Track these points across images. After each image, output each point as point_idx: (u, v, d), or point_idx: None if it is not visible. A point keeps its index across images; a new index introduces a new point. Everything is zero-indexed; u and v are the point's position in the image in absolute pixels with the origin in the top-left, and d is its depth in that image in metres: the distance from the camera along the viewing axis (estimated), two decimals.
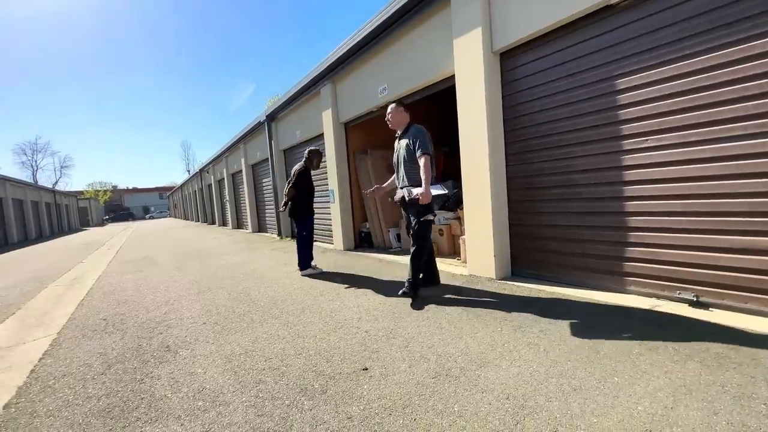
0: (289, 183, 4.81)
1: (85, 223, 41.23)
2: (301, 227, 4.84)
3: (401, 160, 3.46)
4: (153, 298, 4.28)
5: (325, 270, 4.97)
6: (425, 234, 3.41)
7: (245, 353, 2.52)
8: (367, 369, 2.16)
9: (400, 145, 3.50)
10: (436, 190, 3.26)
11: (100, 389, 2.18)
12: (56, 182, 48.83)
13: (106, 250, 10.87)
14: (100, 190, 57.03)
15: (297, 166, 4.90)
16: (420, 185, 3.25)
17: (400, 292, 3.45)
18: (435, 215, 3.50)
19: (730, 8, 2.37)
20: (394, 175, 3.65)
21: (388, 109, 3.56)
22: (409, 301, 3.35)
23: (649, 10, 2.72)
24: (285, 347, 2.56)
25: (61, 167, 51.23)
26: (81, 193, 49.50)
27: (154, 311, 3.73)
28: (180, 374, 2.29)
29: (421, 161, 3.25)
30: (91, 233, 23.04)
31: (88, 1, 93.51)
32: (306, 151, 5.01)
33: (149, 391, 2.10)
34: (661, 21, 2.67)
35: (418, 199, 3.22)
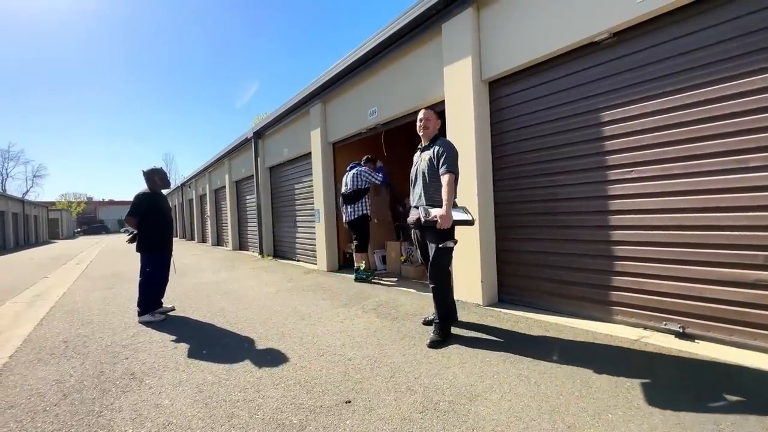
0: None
1: (54, 235, 39.33)
2: (146, 262, 3.98)
3: (420, 174, 3.00)
4: (121, 318, 4.01)
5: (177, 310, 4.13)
6: (444, 264, 2.88)
7: (218, 383, 2.33)
8: (350, 402, 2.03)
9: (422, 158, 3.02)
10: (459, 215, 2.77)
11: (51, 423, 1.96)
12: (26, 192, 46.75)
13: (75, 264, 10.30)
14: (73, 202, 54.83)
15: (139, 191, 4.06)
16: (440, 206, 2.78)
17: (428, 341, 2.80)
18: (456, 242, 2.90)
19: (708, 50, 2.49)
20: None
21: (423, 114, 3.04)
22: (395, 326, 3.24)
23: (631, 48, 2.85)
24: (262, 376, 2.40)
25: (34, 176, 49.20)
26: (53, 203, 47.45)
27: (121, 333, 3.47)
28: (144, 406, 2.09)
29: (444, 179, 2.77)
30: (60, 246, 21.92)
31: (68, 4, 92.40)
32: (143, 174, 4.08)
33: (107, 426, 1.90)
34: (643, 59, 2.79)
35: (436, 222, 2.71)
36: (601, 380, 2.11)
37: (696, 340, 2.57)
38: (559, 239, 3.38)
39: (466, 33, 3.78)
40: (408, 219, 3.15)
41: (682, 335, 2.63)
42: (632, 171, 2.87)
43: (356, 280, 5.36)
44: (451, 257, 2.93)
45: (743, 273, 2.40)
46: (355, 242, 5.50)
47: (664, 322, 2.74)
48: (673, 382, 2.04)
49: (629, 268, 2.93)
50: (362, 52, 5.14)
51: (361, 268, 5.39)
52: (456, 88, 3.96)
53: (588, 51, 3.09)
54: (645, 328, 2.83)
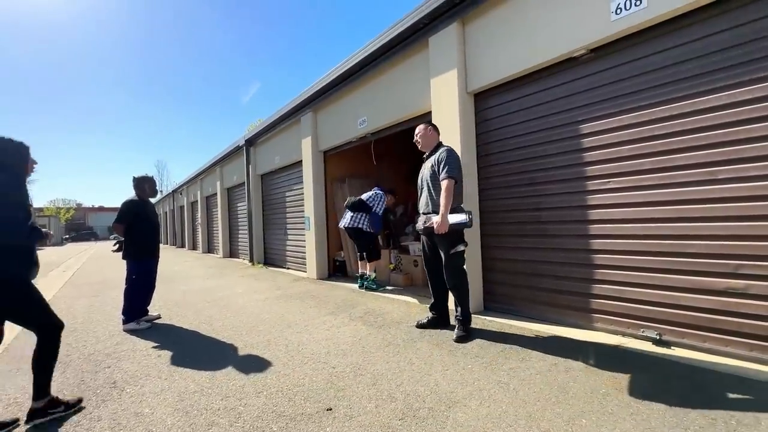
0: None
1: (41, 242, 38.59)
2: (132, 269, 3.95)
3: (425, 183, 3.23)
4: (105, 326, 3.97)
5: (155, 319, 4.10)
6: (457, 265, 3.11)
7: (200, 391, 2.33)
8: (331, 409, 2.04)
9: (425, 166, 3.25)
10: (455, 218, 2.96)
11: None
12: None
13: (61, 271, 10.13)
14: (62, 208, 53.96)
15: (127, 198, 4.01)
16: (452, 213, 2.97)
17: (455, 336, 3.01)
18: (467, 244, 3.16)
19: (679, 67, 2.60)
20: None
21: (417, 130, 3.36)
22: (380, 334, 3.26)
23: (608, 63, 2.96)
24: (245, 384, 2.40)
25: None
26: (41, 209, 46.66)
27: (104, 342, 3.44)
28: (124, 415, 2.08)
29: (443, 185, 2.96)
30: (47, 253, 21.51)
31: (62, 9, 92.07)
32: (133, 180, 4.05)
33: None
34: (618, 74, 2.90)
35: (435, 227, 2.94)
36: (577, 386, 2.16)
37: (672, 347, 2.64)
38: (543, 248, 3.45)
39: (452, 46, 3.89)
40: (416, 226, 3.36)
41: (659, 342, 2.70)
42: (610, 182, 2.96)
43: (366, 288, 5.32)
44: (464, 259, 3.17)
45: (715, 281, 2.48)
46: (358, 252, 5.54)
47: (642, 330, 2.80)
48: (647, 388, 2.09)
49: (609, 277, 3.00)
50: (352, 63, 5.22)
51: (372, 278, 5.37)
52: (442, 99, 4.05)
53: (568, 66, 3.20)
54: (624, 335, 2.90)
